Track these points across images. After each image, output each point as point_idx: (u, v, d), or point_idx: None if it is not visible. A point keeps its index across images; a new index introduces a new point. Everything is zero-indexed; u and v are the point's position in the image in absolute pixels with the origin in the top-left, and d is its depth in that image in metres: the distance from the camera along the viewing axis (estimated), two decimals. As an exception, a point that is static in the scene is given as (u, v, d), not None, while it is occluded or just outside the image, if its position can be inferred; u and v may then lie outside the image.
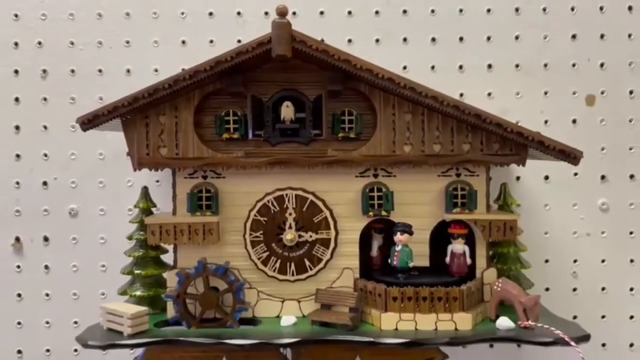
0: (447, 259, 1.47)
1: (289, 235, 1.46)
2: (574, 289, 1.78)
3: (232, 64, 1.36)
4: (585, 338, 1.31)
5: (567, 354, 1.34)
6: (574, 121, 1.76)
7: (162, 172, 1.62)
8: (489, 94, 1.76)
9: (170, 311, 1.44)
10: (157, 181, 1.70)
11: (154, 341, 1.33)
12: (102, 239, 1.76)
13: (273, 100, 1.47)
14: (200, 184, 1.47)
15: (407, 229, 1.40)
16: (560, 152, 1.37)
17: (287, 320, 1.42)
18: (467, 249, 1.45)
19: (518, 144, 1.39)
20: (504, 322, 1.36)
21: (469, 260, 1.46)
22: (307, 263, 1.48)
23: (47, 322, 1.76)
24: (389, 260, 1.44)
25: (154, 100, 1.39)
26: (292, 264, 1.49)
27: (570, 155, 1.37)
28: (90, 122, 1.38)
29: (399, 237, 1.40)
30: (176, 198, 1.48)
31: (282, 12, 1.34)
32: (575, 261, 1.78)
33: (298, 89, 1.47)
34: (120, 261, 1.60)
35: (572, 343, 1.28)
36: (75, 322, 1.74)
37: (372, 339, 1.33)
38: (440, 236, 1.48)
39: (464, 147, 1.43)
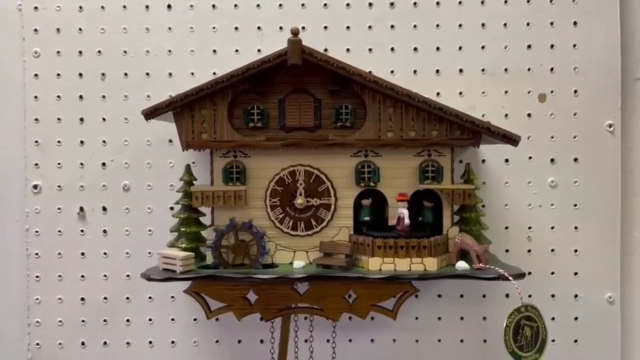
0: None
1: (299, 201, 1.67)
2: (529, 250, 1.95)
3: (258, 70, 1.57)
4: (520, 275, 1.52)
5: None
6: (529, 115, 1.93)
7: (198, 155, 1.83)
8: (460, 93, 1.92)
9: (209, 258, 1.65)
10: (194, 162, 1.84)
11: (199, 276, 1.57)
12: (149, 209, 1.93)
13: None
14: (232, 161, 1.67)
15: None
16: (503, 136, 1.57)
17: (298, 264, 1.64)
18: (407, 212, 1.60)
19: (472, 130, 1.59)
20: (461, 264, 1.60)
21: (406, 221, 1.59)
22: (313, 222, 1.68)
23: (105, 275, 1.94)
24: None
25: (198, 97, 1.59)
26: (302, 223, 1.68)
27: (511, 139, 1.57)
28: (152, 113, 1.59)
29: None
30: (213, 172, 1.67)
31: (295, 32, 1.55)
32: (529, 228, 1.94)
33: (307, 88, 1.64)
34: (163, 226, 1.83)
35: (510, 278, 1.50)
36: (128, 276, 1.93)
37: (361, 275, 1.55)
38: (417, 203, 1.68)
39: (432, 133, 1.61)
